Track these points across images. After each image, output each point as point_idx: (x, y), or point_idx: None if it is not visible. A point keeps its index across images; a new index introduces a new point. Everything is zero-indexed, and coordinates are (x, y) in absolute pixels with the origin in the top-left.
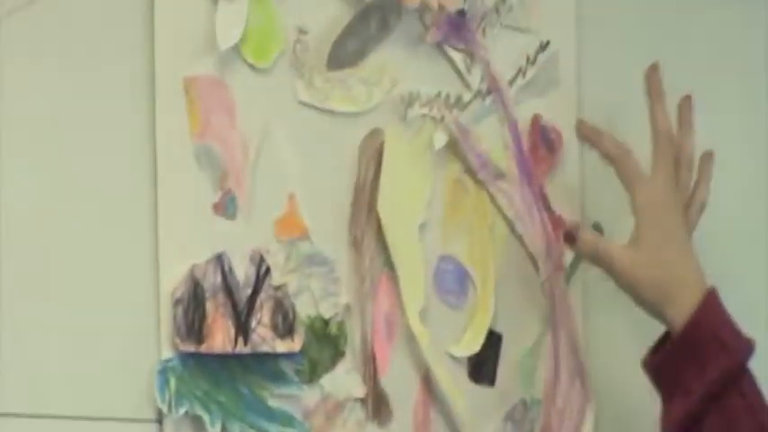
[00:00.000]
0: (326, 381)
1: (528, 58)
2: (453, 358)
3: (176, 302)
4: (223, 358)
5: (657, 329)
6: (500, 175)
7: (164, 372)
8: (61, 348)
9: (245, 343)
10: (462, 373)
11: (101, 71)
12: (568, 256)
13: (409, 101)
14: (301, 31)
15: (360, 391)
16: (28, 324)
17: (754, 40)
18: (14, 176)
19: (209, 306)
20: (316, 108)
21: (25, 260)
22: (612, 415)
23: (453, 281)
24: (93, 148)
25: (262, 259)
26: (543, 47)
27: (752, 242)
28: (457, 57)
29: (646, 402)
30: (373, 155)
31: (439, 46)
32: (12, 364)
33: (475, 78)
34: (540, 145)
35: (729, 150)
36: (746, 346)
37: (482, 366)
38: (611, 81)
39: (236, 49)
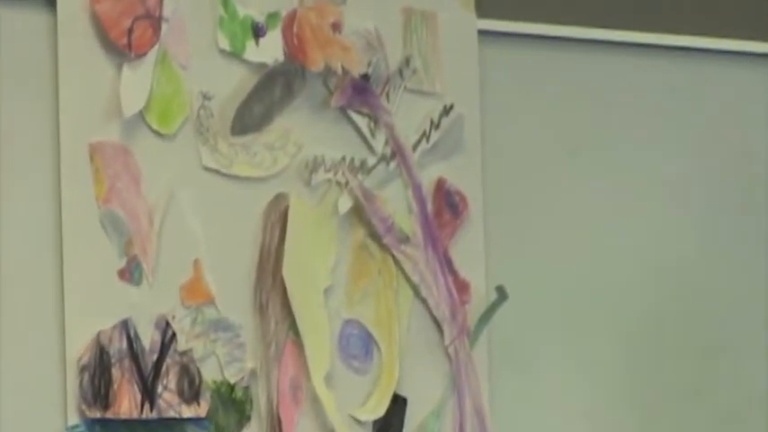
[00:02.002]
0: None
1: (432, 122)
2: (358, 422)
3: (82, 369)
4: (130, 424)
5: (562, 394)
6: (405, 240)
7: None
8: None
9: (152, 408)
10: None
11: (5, 134)
12: (473, 318)
13: (314, 166)
14: (206, 97)
15: None
16: None
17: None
18: None
19: (115, 372)
20: (220, 173)
21: None
22: None
23: (358, 345)
24: None
25: (167, 325)
26: (447, 110)
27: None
28: (361, 121)
29: None
30: (278, 220)
31: (343, 110)
32: None
33: (379, 143)
34: (445, 209)
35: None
36: None
37: (387, 430)
38: (516, 144)
39: (141, 116)
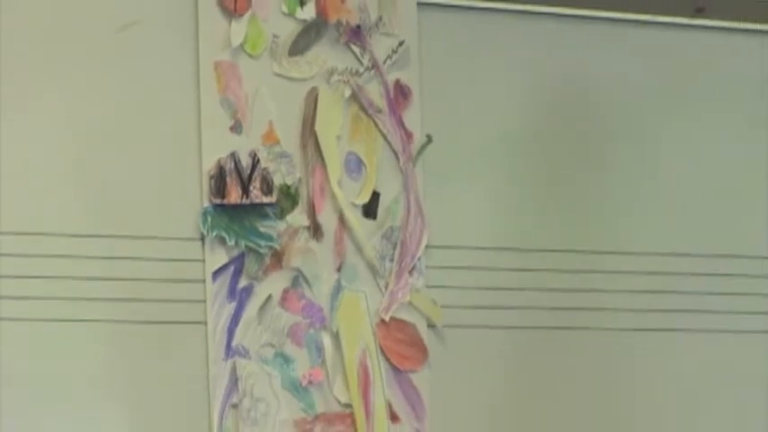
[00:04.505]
0: (289, 218)
1: (393, 50)
2: (354, 205)
3: (210, 177)
4: (235, 206)
5: (468, 193)
6: (379, 111)
7: (204, 213)
8: (143, 204)
9: (247, 198)
10: (359, 213)
11: (171, 58)
12: (414, 151)
13: (331, 72)
14: (275, 36)
15: (306, 222)
16: (113, 176)
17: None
18: (112, 129)
19: (228, 179)
20: (283, 76)
21: (121, 155)
22: (440, 235)
23: (355, 165)
24: (164, 104)
25: (255, 155)
26: (401, 44)
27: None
28: (356, 50)
29: (465, 226)
30: (312, 100)
31: (347, 44)
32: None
33: (365, 61)
34: (399, 95)
35: None
36: None
37: (370, 209)
38: (439, 61)
39: (241, 46)
